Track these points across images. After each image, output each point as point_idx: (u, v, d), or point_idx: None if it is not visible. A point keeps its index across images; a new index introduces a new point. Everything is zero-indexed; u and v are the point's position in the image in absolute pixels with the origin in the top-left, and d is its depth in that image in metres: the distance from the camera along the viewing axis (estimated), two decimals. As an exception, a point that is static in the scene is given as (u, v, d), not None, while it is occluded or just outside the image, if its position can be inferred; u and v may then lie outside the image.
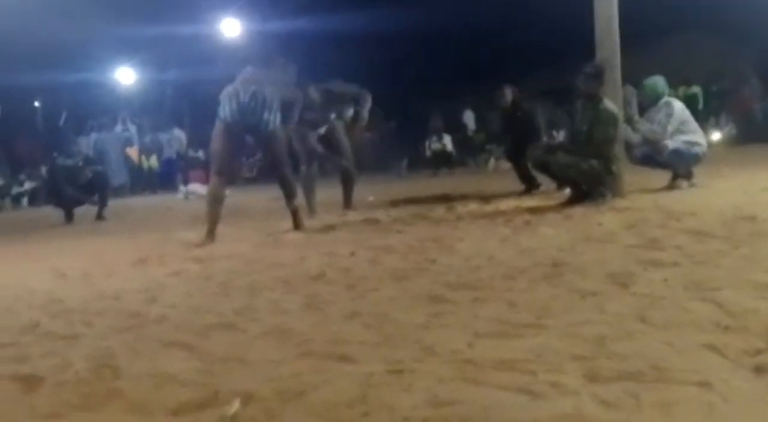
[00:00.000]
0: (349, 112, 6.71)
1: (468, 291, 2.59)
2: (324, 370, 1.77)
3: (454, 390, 1.53)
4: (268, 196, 7.91)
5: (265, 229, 5.44)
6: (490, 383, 1.56)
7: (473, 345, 1.87)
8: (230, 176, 5.44)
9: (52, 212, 9.11)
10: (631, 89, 8.52)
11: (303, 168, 6.61)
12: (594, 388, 1.48)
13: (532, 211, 5.17)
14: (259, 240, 4.87)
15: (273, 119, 4.91)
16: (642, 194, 5.67)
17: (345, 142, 6.80)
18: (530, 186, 7.06)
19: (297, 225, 5.18)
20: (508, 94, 7.59)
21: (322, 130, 6.67)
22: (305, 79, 6.18)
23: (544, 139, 7.08)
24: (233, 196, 10.70)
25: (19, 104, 15.78)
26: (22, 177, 15.73)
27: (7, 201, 15.18)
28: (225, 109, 4.83)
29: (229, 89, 4.87)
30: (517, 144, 7.26)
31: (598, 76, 5.30)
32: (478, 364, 1.69)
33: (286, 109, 5.08)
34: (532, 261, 3.11)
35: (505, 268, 2.99)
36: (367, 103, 6.62)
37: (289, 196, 5.18)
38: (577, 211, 4.89)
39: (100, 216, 8.55)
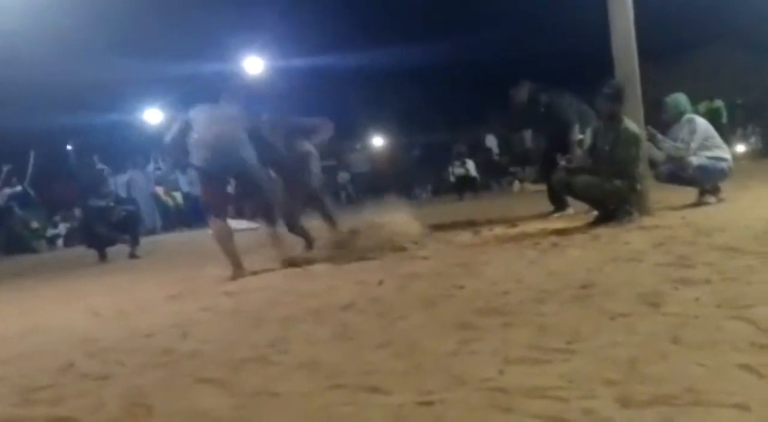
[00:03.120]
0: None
1: (497, 316, 2.58)
2: (355, 402, 1.77)
3: (485, 419, 1.52)
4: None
5: (293, 259, 5.46)
6: (521, 411, 1.55)
7: (504, 373, 1.86)
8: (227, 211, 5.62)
9: (86, 252, 9.27)
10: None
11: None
12: (627, 414, 1.47)
13: (559, 232, 5.14)
14: (288, 271, 4.89)
15: (248, 155, 4.98)
16: (669, 211, 5.61)
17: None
18: (558, 207, 6.87)
19: (309, 244, 5.59)
20: (522, 90, 7.09)
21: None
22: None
23: (579, 138, 6.30)
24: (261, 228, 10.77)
25: (51, 148, 16.17)
26: (56, 219, 16.04)
27: (43, 242, 15.46)
28: (198, 158, 4.89)
29: (194, 137, 4.91)
30: (550, 150, 6.86)
31: (617, 95, 5.28)
32: (509, 392, 1.69)
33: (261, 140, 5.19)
34: (561, 283, 3.09)
35: (534, 292, 2.97)
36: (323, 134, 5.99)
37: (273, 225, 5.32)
38: (604, 231, 4.86)
39: (132, 255, 8.68)
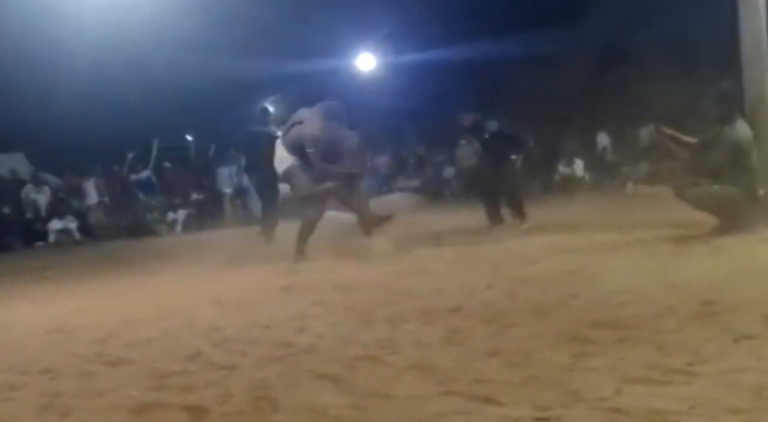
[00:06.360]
0: None
1: (613, 330, 2.53)
2: (469, 412, 1.80)
3: (604, 441, 1.52)
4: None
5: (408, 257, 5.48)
6: (642, 435, 1.53)
7: (621, 392, 1.84)
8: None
9: (201, 238, 9.74)
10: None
11: None
12: (756, 446, 1.42)
13: (678, 241, 4.91)
14: (397, 269, 4.91)
15: None
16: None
17: None
18: (493, 222, 7.27)
19: None
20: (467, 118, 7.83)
21: None
22: None
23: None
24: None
25: (173, 140, 17.20)
26: (176, 202, 16.93)
27: (163, 226, 16.39)
28: None
29: None
30: (489, 166, 7.58)
31: (722, 98, 5.03)
32: (627, 414, 1.67)
33: None
34: (681, 298, 2.97)
35: (652, 306, 2.88)
36: None
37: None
38: (727, 242, 4.59)
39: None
